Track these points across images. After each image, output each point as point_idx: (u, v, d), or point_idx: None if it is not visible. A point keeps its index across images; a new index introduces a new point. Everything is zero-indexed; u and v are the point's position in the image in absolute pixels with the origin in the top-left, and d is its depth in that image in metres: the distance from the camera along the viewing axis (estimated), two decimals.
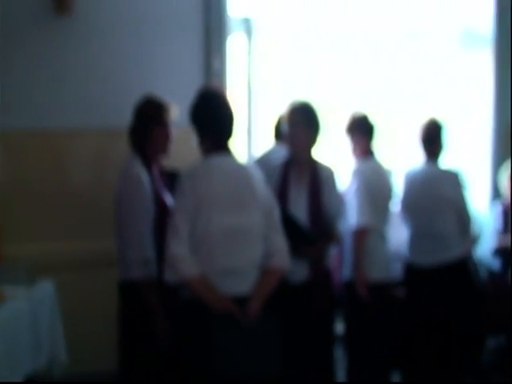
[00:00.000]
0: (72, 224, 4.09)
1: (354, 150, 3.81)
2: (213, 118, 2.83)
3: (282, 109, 3.55)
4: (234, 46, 4.40)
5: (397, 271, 3.97)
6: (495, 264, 4.49)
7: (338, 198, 3.53)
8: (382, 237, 3.72)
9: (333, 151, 4.21)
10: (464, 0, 5.09)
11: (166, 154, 3.23)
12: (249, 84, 4.31)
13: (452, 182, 3.94)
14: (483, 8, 5.10)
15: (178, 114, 3.22)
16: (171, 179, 3.07)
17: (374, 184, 3.67)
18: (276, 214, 2.85)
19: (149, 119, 3.17)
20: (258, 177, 2.85)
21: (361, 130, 3.78)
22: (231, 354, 2.67)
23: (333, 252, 3.56)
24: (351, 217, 3.61)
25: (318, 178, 3.41)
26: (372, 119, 3.82)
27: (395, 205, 4.08)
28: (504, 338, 4.50)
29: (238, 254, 2.73)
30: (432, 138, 3.95)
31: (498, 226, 4.56)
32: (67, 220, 4.08)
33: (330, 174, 3.46)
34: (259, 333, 2.71)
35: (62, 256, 3.95)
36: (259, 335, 2.71)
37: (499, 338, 4.53)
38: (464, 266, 3.90)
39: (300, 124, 3.37)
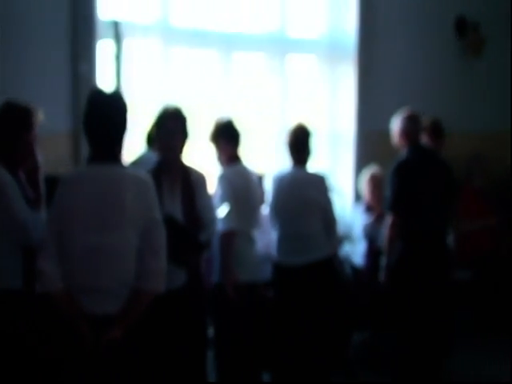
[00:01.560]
0: None
1: (220, 156, 3.83)
2: (92, 123, 2.69)
3: (152, 114, 3.52)
4: (104, 49, 4.29)
5: (268, 272, 4.05)
6: (365, 263, 4.70)
7: (211, 203, 3.55)
8: (250, 239, 3.78)
9: (203, 156, 4.21)
10: (328, 11, 5.28)
11: (32, 160, 3.10)
12: (118, 88, 4.22)
13: (318, 186, 4.05)
14: (346, 19, 5.32)
15: (42, 118, 3.10)
16: (53, 184, 2.91)
17: (241, 188, 3.71)
18: (157, 233, 2.70)
19: (13, 124, 3.02)
20: (141, 190, 2.68)
21: (226, 136, 3.80)
22: (82, 372, 2.62)
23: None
24: (218, 221, 3.63)
25: (190, 184, 3.39)
26: (237, 125, 3.84)
27: (265, 208, 4.17)
28: (368, 333, 4.72)
29: (101, 272, 2.61)
30: (300, 142, 4.05)
31: (362, 224, 4.78)
32: None
33: (202, 179, 3.45)
34: (114, 356, 2.62)
35: None
36: (113, 359, 2.63)
37: (363, 334, 4.73)
38: (329, 264, 4.03)
39: (172, 130, 3.33)
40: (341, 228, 4.71)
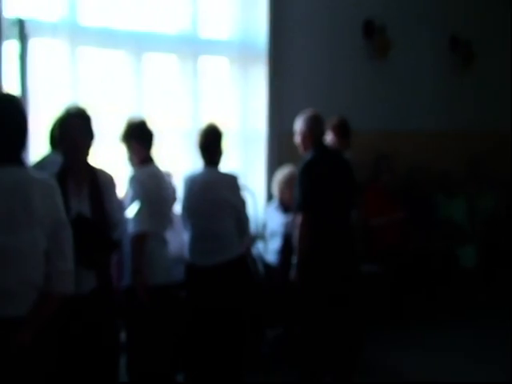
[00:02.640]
0: None
1: (132, 157, 3.75)
2: None
3: (56, 114, 3.40)
4: (8, 49, 4.11)
5: (181, 273, 4.00)
6: (277, 260, 4.72)
7: (120, 204, 3.48)
8: (162, 241, 3.73)
9: (112, 157, 4.12)
10: (239, 12, 5.27)
11: None
12: (23, 88, 4.05)
13: (230, 186, 4.03)
14: (257, 21, 5.34)
15: None
16: None
17: (153, 190, 3.65)
18: (64, 234, 2.65)
19: None
20: (47, 192, 2.62)
21: (138, 137, 3.72)
22: None
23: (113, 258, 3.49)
24: (129, 223, 3.57)
25: (98, 186, 3.28)
26: (149, 125, 3.78)
27: (177, 208, 4.12)
28: (281, 329, 4.75)
29: (7, 274, 2.51)
30: (211, 143, 4.02)
31: (277, 221, 4.80)
32: None
33: (109, 181, 3.37)
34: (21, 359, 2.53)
35: None
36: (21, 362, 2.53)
37: (277, 330, 4.76)
38: (242, 264, 4.03)
39: (75, 131, 3.23)
40: (254, 227, 4.73)
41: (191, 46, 5.02)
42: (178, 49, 4.98)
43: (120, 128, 3.78)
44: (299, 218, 3.94)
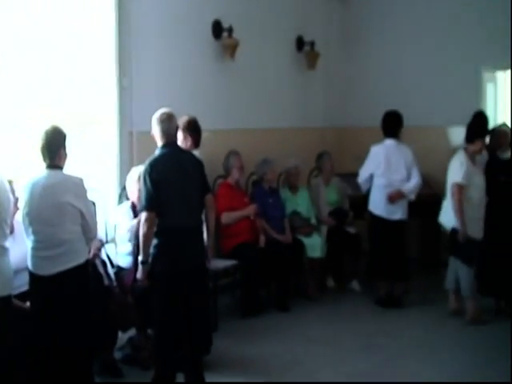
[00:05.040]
0: None
1: None
2: None
3: None
4: None
5: (26, 282, 3.72)
6: (131, 263, 4.52)
7: None
8: (1, 250, 3.44)
9: None
10: (87, 11, 4.98)
11: None
12: None
13: (74, 189, 3.75)
14: (105, 21, 5.08)
15: None
16: None
17: None
18: None
19: None
20: None
21: None
22: None
23: None
24: None
25: None
26: None
27: (19, 215, 3.80)
28: (134, 330, 4.56)
29: None
30: (53, 145, 3.72)
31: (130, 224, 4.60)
32: None
33: None
34: None
35: None
36: None
37: (130, 331, 4.57)
38: (88, 269, 3.80)
39: None
40: (104, 230, 4.49)
41: None
42: None
43: None
44: (142, 217, 3.78)
